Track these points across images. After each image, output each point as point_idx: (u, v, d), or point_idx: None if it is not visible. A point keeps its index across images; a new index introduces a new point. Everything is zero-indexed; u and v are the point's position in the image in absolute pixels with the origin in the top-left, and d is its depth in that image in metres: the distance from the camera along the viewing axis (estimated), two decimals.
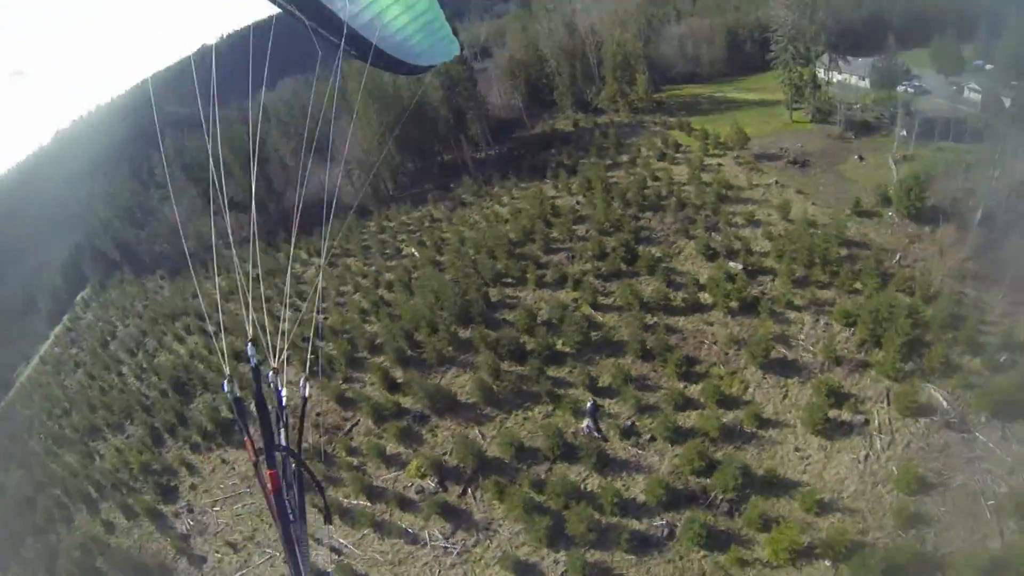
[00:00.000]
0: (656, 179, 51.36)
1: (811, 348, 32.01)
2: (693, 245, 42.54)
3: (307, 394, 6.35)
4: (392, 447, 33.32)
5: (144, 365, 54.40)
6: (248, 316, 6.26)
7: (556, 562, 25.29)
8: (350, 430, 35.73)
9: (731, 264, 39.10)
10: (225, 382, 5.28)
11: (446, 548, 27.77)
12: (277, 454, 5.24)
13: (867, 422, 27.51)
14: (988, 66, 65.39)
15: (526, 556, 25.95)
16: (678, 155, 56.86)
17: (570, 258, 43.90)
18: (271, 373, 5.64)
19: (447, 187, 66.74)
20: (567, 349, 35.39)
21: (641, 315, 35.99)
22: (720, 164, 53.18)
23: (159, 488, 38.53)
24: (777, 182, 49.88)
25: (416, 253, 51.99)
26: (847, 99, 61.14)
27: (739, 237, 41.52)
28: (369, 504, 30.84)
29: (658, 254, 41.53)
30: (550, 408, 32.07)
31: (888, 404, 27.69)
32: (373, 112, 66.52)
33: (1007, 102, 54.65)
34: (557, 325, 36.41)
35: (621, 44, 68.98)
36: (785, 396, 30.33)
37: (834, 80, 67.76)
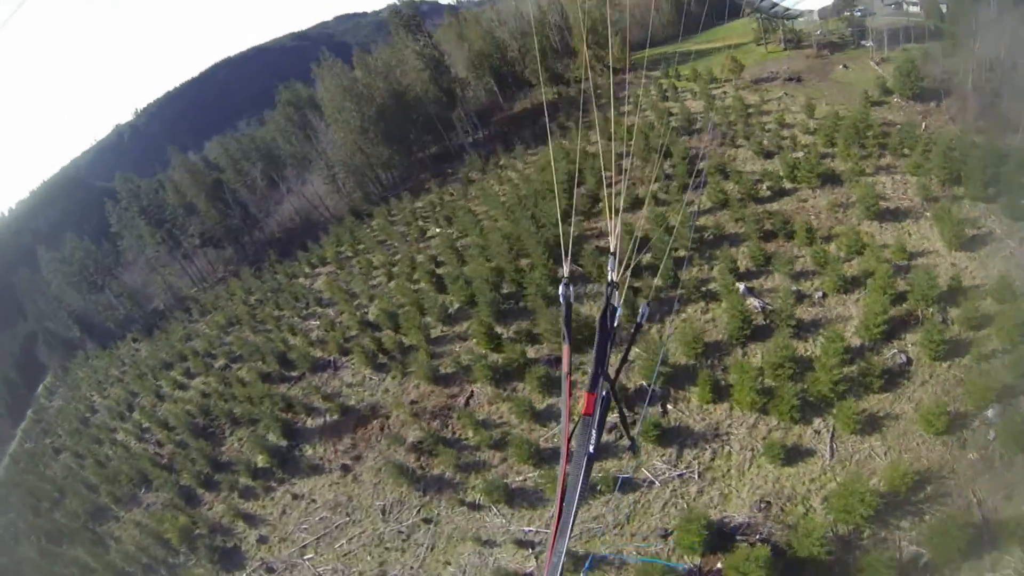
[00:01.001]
0: (671, 114, 51.80)
1: (906, 195, 33.18)
2: (744, 151, 43.18)
3: (644, 318, 5.83)
4: (539, 402, 28.66)
5: (144, 423, 44.28)
6: (613, 226, 6.49)
7: (817, 431, 22.69)
8: (467, 402, 30.67)
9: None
10: (562, 285, 4.94)
11: (681, 475, 23.19)
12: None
13: (991, 232, 29.31)
14: None
15: (782, 438, 22.64)
16: (681, 94, 57.79)
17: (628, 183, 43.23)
18: (609, 288, 5.28)
19: (444, 173, 65.27)
20: (684, 253, 34.23)
21: (740, 207, 35.54)
22: (725, 92, 54.39)
23: (213, 554, 29.26)
24: (786, 94, 52.20)
25: (448, 229, 49.68)
26: (810, 28, 65.47)
27: (782, 136, 43.22)
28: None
29: (711, 165, 41.50)
30: (704, 304, 30.33)
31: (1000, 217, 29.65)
32: (351, 109, 64.56)
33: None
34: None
35: (588, 12, 70.19)
36: (910, 234, 30.73)
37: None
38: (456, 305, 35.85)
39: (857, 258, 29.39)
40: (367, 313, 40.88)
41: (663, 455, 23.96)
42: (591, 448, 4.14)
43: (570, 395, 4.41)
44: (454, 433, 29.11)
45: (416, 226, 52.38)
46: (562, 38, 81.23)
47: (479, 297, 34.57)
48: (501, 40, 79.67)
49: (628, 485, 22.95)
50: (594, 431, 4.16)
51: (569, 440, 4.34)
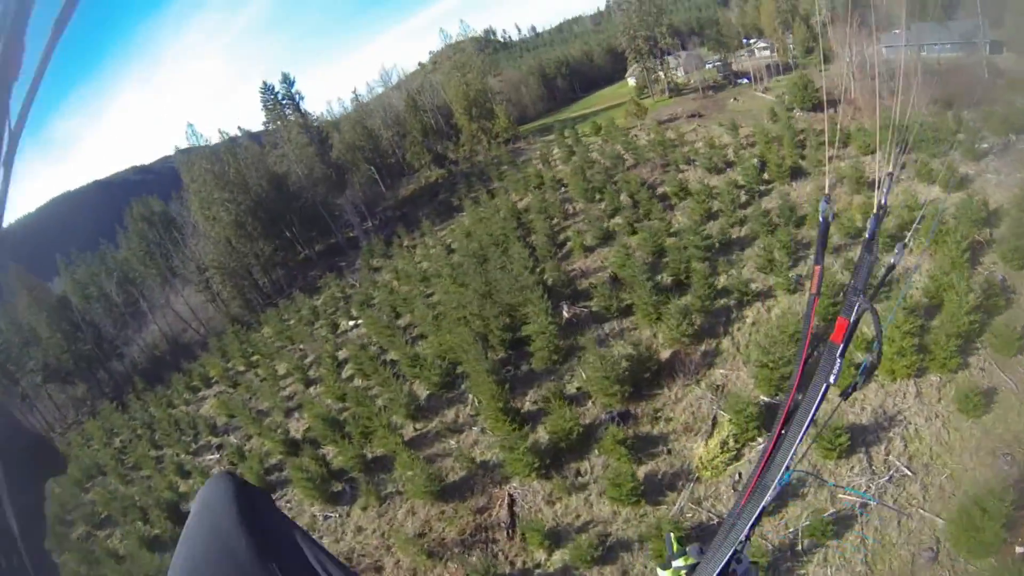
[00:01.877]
0: (590, 163, 47.53)
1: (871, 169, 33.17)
2: (693, 172, 39.60)
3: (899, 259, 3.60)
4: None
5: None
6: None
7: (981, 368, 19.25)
8: (511, 512, 20.37)
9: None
10: (823, 200, 3.42)
11: (891, 478, 17.89)
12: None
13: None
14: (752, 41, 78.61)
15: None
16: (589, 144, 54.29)
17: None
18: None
19: (337, 268, 56.00)
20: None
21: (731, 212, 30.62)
22: (636, 135, 51.64)
23: None
24: (699, 126, 50.68)
25: (358, 320, 40.14)
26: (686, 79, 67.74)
27: (722, 155, 41.51)
28: None
29: (673, 188, 36.95)
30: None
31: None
32: (223, 201, 54.37)
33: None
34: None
35: (469, 84, 66.68)
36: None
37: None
38: (427, 392, 26.11)
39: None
40: (289, 431, 29.64)
41: (852, 468, 18.28)
42: (832, 378, 3.13)
43: (812, 318, 3.34)
44: (512, 564, 18.94)
45: (327, 321, 42.26)
46: (437, 122, 77.20)
47: (470, 367, 24.37)
48: (372, 130, 74.13)
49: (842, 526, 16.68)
50: (839, 359, 3.14)
51: (804, 365, 3.39)
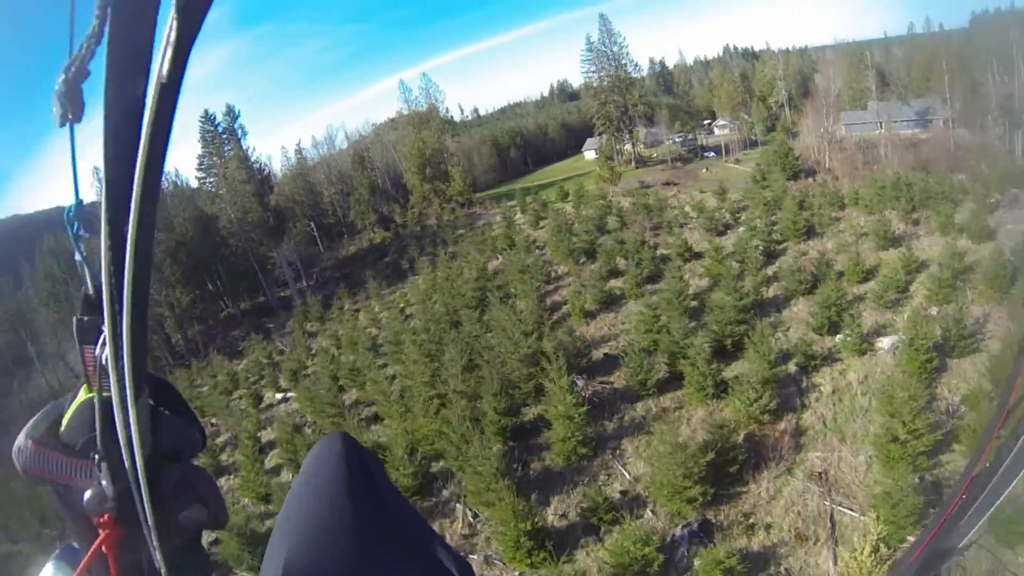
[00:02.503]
0: (571, 231, 42.54)
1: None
2: (690, 234, 35.05)
3: None
4: None
5: None
6: None
7: None
8: None
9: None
10: None
11: None
12: None
13: None
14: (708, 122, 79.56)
15: None
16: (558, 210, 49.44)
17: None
18: None
19: (264, 329, 47.60)
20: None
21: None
22: (610, 201, 47.35)
23: None
24: (678, 192, 47.48)
25: (288, 395, 32.20)
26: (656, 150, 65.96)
27: (716, 218, 37.77)
28: None
29: (677, 248, 32.12)
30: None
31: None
32: None
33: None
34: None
35: (425, 141, 61.65)
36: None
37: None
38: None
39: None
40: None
41: None
42: None
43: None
44: None
45: (249, 391, 33.81)
46: (385, 182, 71.52)
47: (458, 464, 16.98)
48: (314, 184, 67.62)
49: None
50: None
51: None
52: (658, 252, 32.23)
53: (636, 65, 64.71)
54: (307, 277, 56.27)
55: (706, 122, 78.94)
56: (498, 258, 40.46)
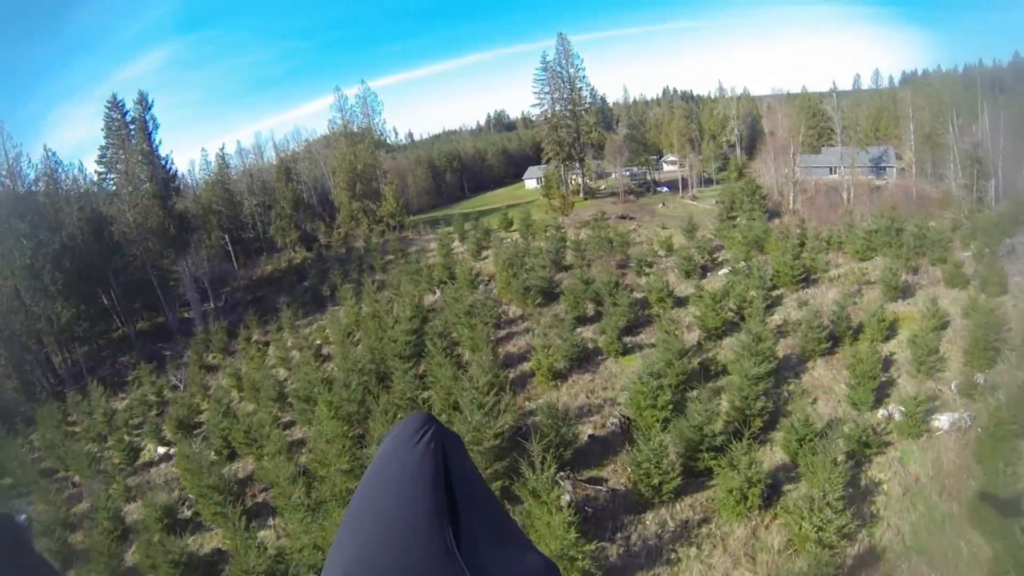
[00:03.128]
0: (522, 264, 37.17)
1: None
2: (670, 275, 30.33)
3: None
4: None
5: None
6: None
7: None
8: None
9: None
10: None
11: None
12: None
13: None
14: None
15: None
16: (503, 239, 43.99)
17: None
18: None
19: (160, 356, 39.27)
20: None
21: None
22: (565, 232, 42.20)
23: None
24: (638, 226, 43.24)
25: (170, 451, 24.69)
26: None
27: (690, 258, 32.93)
28: None
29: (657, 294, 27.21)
30: None
31: None
32: (21, 233, 36.83)
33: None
34: None
35: (356, 156, 55.07)
36: None
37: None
38: None
39: None
40: None
41: None
42: None
43: None
44: None
45: (124, 440, 25.76)
46: (311, 197, 64.23)
47: None
48: (234, 194, 59.65)
49: None
50: None
51: None
52: (633, 295, 27.06)
53: (592, 90, 60.87)
54: (215, 297, 48.15)
55: (653, 158, 76.48)
56: (435, 292, 34.46)
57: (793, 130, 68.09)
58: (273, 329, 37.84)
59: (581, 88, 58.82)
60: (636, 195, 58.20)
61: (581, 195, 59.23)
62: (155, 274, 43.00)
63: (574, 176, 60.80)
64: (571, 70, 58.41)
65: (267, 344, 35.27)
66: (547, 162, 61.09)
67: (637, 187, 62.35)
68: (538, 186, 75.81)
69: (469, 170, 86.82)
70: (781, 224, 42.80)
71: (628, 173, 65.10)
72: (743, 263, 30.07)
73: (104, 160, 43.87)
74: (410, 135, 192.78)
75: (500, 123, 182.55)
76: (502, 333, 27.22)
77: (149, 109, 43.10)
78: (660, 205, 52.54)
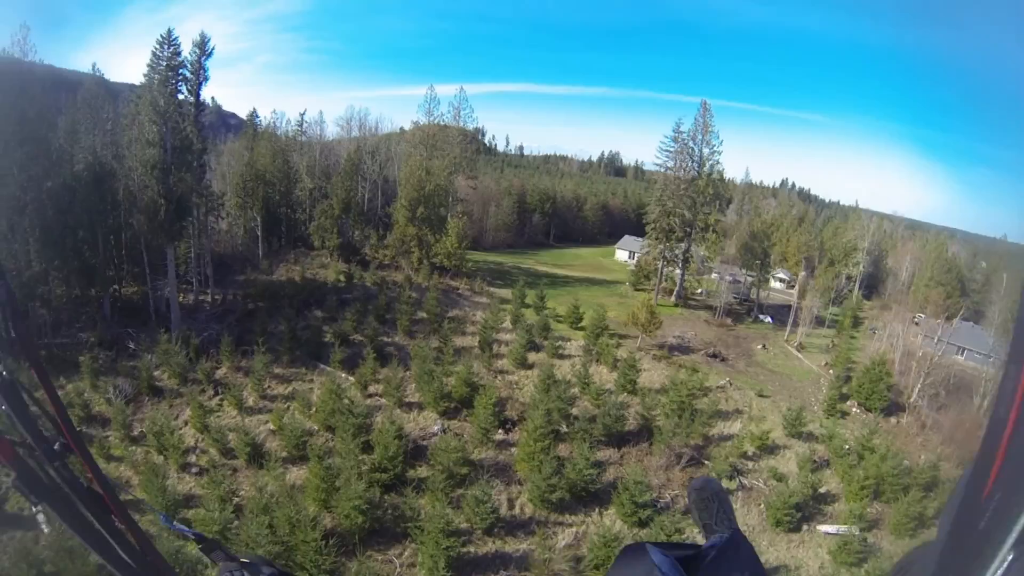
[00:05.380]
0: (556, 386, 27.99)
1: None
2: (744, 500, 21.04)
3: None
4: None
5: None
6: None
7: None
8: None
9: None
10: None
11: None
12: None
13: None
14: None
15: None
16: (560, 344, 34.93)
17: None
18: None
19: (123, 342, 32.30)
20: None
21: None
22: (637, 360, 32.63)
23: None
24: (731, 383, 33.21)
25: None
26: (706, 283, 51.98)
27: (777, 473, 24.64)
28: None
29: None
30: None
31: None
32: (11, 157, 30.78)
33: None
34: None
35: (428, 171, 47.26)
36: None
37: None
38: None
39: None
40: None
41: None
42: None
43: None
44: None
45: None
46: (374, 198, 57.06)
47: None
48: (295, 167, 53.09)
49: None
50: None
51: None
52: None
53: (723, 178, 50.99)
54: (219, 287, 41.24)
55: (766, 277, 65.91)
56: (437, 424, 25.46)
57: (927, 282, 56.16)
58: (244, 368, 30.07)
59: (711, 174, 49.07)
60: (734, 317, 47.94)
61: (673, 298, 49.44)
62: (146, 248, 36.06)
63: (671, 269, 51.13)
64: (705, 149, 48.91)
65: (222, 393, 27.48)
66: (647, 246, 51.62)
67: (738, 304, 52.01)
68: (630, 260, 66.74)
69: (561, 217, 78.52)
70: (899, 428, 32.13)
71: (731, 279, 55.01)
72: (855, 529, 20.42)
73: (138, 101, 37.10)
74: (520, 148, 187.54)
75: (611, 165, 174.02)
76: (507, 546, 18.39)
77: (208, 55, 36.37)
78: (760, 347, 42.22)
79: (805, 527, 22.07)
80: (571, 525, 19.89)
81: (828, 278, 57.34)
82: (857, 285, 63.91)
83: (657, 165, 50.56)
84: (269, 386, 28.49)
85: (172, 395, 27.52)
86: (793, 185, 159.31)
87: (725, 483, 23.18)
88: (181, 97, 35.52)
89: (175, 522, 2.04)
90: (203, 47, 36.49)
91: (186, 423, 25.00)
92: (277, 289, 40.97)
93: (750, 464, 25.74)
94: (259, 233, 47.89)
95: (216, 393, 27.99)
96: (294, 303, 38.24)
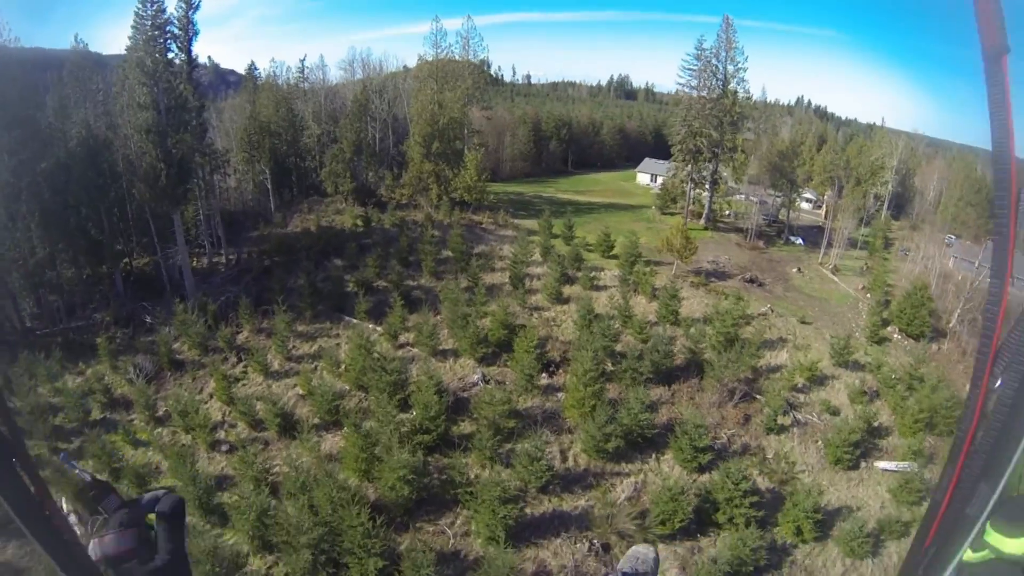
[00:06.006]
0: (598, 321, 26.71)
1: None
2: (800, 442, 20.63)
3: None
4: None
5: None
6: None
7: None
8: None
9: None
10: None
11: None
12: None
13: None
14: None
15: None
16: (594, 275, 33.46)
17: None
18: None
19: (140, 318, 31.54)
20: None
21: None
22: (677, 289, 31.04)
23: None
24: (772, 309, 31.74)
25: None
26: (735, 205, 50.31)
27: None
28: None
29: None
30: None
31: None
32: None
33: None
34: None
35: (440, 104, 44.78)
36: None
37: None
38: None
39: None
40: None
41: None
42: None
43: None
44: None
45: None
46: (385, 138, 54.80)
47: None
48: (299, 115, 50.81)
49: None
50: None
51: None
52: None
53: (749, 96, 47.93)
54: (232, 249, 40.03)
55: (795, 196, 63.59)
56: (476, 372, 24.32)
57: (956, 202, 53.87)
58: (267, 330, 29.03)
59: (736, 92, 46.08)
60: (765, 239, 46.10)
61: (703, 221, 47.49)
62: (152, 217, 34.60)
63: (698, 191, 48.92)
64: (729, 66, 45.70)
65: (249, 355, 26.50)
66: (674, 167, 49.24)
67: (767, 225, 50.02)
68: (652, 184, 64.31)
69: (578, 143, 75.43)
70: (940, 355, 30.70)
71: (758, 200, 52.80)
72: (914, 465, 19.53)
73: (125, 63, 34.69)
74: (528, 77, 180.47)
75: (622, 89, 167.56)
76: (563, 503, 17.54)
77: (194, 10, 33.67)
78: (795, 271, 40.44)
79: (863, 464, 21.17)
80: (628, 475, 18.93)
81: (857, 198, 54.84)
82: (885, 205, 61.63)
83: (680, 84, 47.33)
84: (294, 346, 27.42)
85: (194, 367, 26.53)
86: (809, 103, 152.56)
87: (781, 419, 22.23)
88: (171, 56, 33.15)
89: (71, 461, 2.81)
90: (188, 0, 33.90)
91: (211, 396, 24.06)
92: (293, 242, 39.56)
93: (801, 397, 24.57)
94: (269, 186, 46.14)
95: (239, 360, 26.97)
96: (311, 254, 36.80)
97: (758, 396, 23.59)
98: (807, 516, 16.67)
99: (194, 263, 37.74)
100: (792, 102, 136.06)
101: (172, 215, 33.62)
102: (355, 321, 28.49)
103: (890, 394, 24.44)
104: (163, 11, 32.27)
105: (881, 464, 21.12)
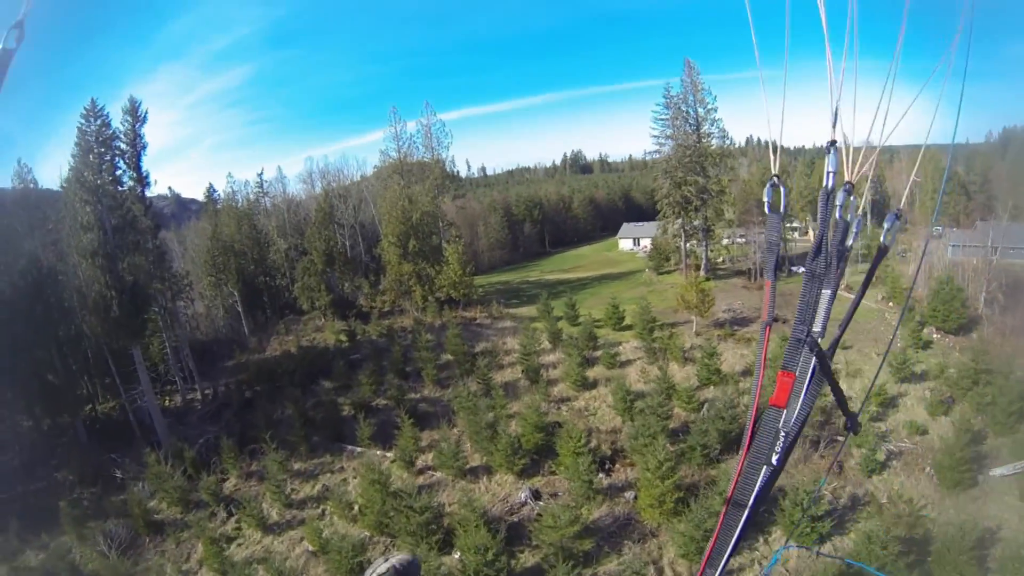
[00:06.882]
0: (642, 401, 23.40)
1: None
2: None
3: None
4: None
5: None
6: None
7: None
8: None
9: None
10: (769, 184, 2.07)
11: None
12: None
13: None
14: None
15: None
16: (615, 353, 30.18)
17: None
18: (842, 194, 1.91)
19: (108, 471, 26.87)
20: None
21: None
22: (704, 347, 27.96)
23: None
24: None
25: None
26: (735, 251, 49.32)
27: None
28: None
29: None
30: None
31: None
32: None
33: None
34: None
35: (410, 199, 42.47)
36: None
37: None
38: None
39: None
40: None
41: None
42: (775, 457, 2.01)
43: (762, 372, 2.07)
44: None
45: None
46: (356, 245, 52.18)
47: None
48: (263, 230, 48.10)
49: None
50: (782, 431, 1.99)
51: (751, 439, 2.15)
52: None
53: (725, 135, 46.75)
54: (205, 382, 35.89)
55: (792, 227, 62.55)
56: (525, 470, 20.37)
57: (931, 195, 53.55)
58: (258, 470, 24.81)
59: (711, 134, 44.99)
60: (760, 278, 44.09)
61: (702, 272, 45.05)
62: (114, 354, 30.75)
63: (691, 243, 46.76)
64: (700, 109, 44.79)
65: (240, 507, 22.13)
66: (664, 224, 47.18)
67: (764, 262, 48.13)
68: (635, 248, 62.41)
69: (551, 221, 73.97)
70: (982, 345, 27.57)
71: (743, 240, 51.07)
72: None
73: (72, 183, 31.76)
74: (483, 169, 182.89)
75: (576, 164, 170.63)
76: None
77: (141, 123, 31.40)
78: None
79: (980, 477, 17.95)
80: (742, 569, 15.07)
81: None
82: (868, 217, 61.20)
83: (654, 137, 46.20)
84: (293, 489, 23.26)
85: (176, 528, 22.19)
86: (759, 140, 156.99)
87: (878, 456, 18.98)
88: (119, 172, 30.54)
89: None
90: (135, 113, 31.64)
91: (200, 564, 19.68)
92: (273, 367, 35.73)
93: (882, 427, 21.63)
94: (240, 309, 42.67)
95: (230, 514, 22.73)
96: (296, 379, 32.95)
97: (838, 437, 20.25)
98: (966, 559, 13.25)
99: (166, 402, 33.66)
100: (743, 143, 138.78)
101: (131, 350, 29.67)
102: (360, 450, 24.55)
103: (968, 396, 21.98)
104: (108, 125, 29.92)
105: (998, 471, 18.41)
